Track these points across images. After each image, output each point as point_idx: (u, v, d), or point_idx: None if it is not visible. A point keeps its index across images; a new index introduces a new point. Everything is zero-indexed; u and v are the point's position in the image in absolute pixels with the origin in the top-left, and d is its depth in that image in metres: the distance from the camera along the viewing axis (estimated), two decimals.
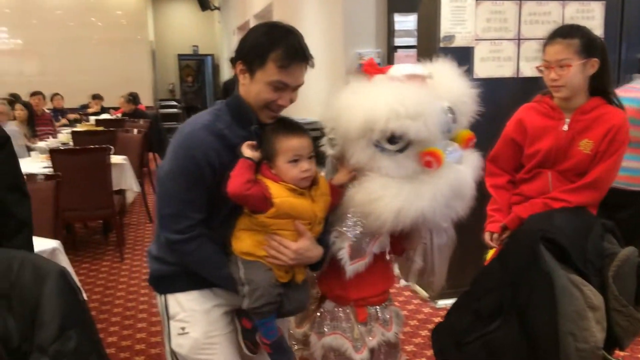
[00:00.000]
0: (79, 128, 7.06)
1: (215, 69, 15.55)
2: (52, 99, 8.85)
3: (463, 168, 1.69)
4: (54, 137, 6.40)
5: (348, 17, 4.89)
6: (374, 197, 1.60)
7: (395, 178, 1.63)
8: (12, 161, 1.75)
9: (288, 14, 7.01)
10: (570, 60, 1.97)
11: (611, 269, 1.79)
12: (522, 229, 1.85)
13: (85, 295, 1.60)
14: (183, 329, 1.65)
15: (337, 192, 1.69)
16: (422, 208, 1.58)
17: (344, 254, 1.73)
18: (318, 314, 1.85)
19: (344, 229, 1.77)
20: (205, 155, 1.52)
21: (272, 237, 1.56)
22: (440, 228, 1.75)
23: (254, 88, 1.55)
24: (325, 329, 1.81)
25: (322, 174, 1.79)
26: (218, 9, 13.96)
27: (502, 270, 1.74)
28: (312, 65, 1.59)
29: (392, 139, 1.61)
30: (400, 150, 1.62)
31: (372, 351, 1.80)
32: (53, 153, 4.28)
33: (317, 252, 1.62)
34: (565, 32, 2.02)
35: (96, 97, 10.21)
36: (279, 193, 1.51)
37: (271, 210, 1.51)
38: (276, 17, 7.87)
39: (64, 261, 2.35)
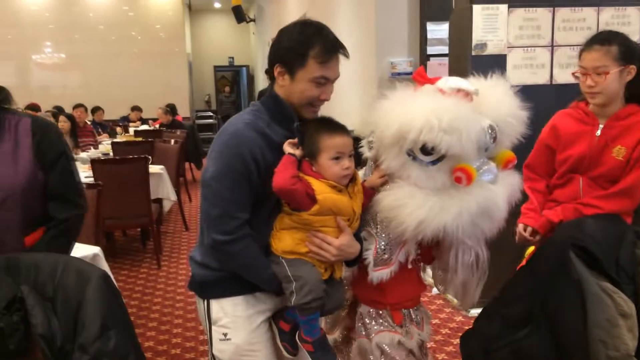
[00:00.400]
0: (119, 139, 7.29)
1: (251, 79, 15.79)
2: (93, 113, 9.14)
3: (495, 188, 1.67)
4: (95, 148, 6.61)
5: (381, 26, 4.93)
6: (399, 204, 1.62)
7: (424, 189, 1.64)
8: (64, 177, 1.83)
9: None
10: (608, 67, 1.95)
11: None
12: (553, 236, 1.85)
13: (124, 301, 1.66)
14: (225, 335, 1.67)
15: (368, 193, 1.73)
16: (445, 222, 1.59)
17: (369, 255, 1.77)
18: (360, 323, 1.88)
19: (374, 231, 1.81)
20: (252, 152, 1.54)
21: (315, 233, 1.60)
22: (466, 245, 1.74)
23: (297, 87, 1.58)
24: (371, 332, 1.84)
25: (361, 173, 1.84)
26: (253, 21, 14.19)
27: (531, 277, 1.73)
28: (347, 56, 1.63)
29: (426, 150, 1.62)
30: (433, 162, 1.63)
31: (411, 351, 1.83)
32: (94, 163, 4.43)
33: (356, 247, 1.66)
34: (603, 38, 2.00)
35: (135, 108, 10.50)
36: (321, 189, 1.56)
37: (315, 207, 1.55)
38: None
39: (104, 266, 2.44)
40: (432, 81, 1.77)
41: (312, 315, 1.63)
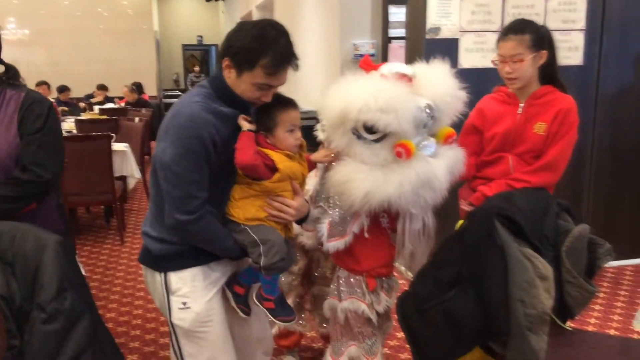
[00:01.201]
0: (84, 117, 7.25)
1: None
2: (60, 92, 9.04)
3: (435, 161, 1.83)
4: None
5: (344, 9, 5.01)
6: (346, 179, 1.80)
7: (369, 164, 1.81)
8: (34, 150, 1.80)
9: (288, 5, 7.15)
10: (522, 55, 2.13)
11: (565, 244, 1.93)
12: (481, 207, 2.00)
13: (85, 273, 1.73)
14: (184, 303, 1.74)
15: (310, 166, 1.92)
16: (388, 193, 1.76)
17: (323, 229, 1.94)
18: (335, 284, 2.05)
19: (327, 206, 1.96)
20: (210, 133, 1.60)
21: (275, 198, 1.73)
22: (412, 214, 1.91)
23: (239, 86, 1.64)
24: (343, 296, 2.02)
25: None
26: None
27: (461, 243, 1.88)
28: (297, 68, 1.66)
29: (370, 129, 1.77)
30: (377, 141, 1.80)
31: (378, 315, 2.03)
32: None
33: (307, 206, 1.83)
34: (517, 28, 2.17)
35: (101, 87, 10.38)
36: (280, 159, 1.69)
37: (276, 176, 1.69)
38: (277, 8, 7.99)
39: None
40: (376, 67, 1.93)
41: (277, 274, 1.76)
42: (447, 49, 3.46)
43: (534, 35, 2.14)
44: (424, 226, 1.97)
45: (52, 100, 7.80)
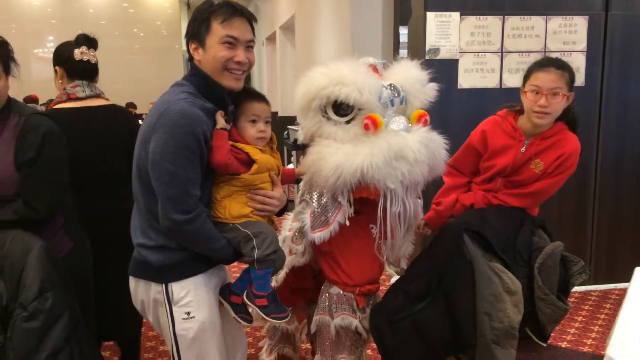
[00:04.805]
0: None
1: (247, 76, 15.92)
2: None
3: (407, 134, 1.86)
4: None
5: (356, 30, 5.14)
6: (319, 157, 1.86)
7: (339, 141, 1.87)
8: (28, 182, 1.81)
9: (307, 27, 7.33)
10: (562, 89, 2.06)
11: (537, 261, 1.97)
12: (451, 222, 2.05)
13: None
14: (188, 313, 1.70)
15: (290, 176, 1.99)
16: (359, 163, 1.79)
17: (306, 219, 1.99)
18: (327, 302, 2.08)
19: (308, 197, 2.04)
20: (202, 130, 1.59)
21: (256, 191, 1.76)
22: (392, 193, 1.85)
23: (209, 55, 1.66)
24: (334, 312, 2.05)
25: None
26: None
27: (431, 257, 1.93)
28: (254, 19, 1.73)
29: (339, 110, 1.86)
30: (348, 122, 1.87)
31: (367, 331, 2.06)
32: None
33: (285, 197, 1.86)
34: (559, 64, 2.11)
35: (129, 105, 10.70)
36: (254, 151, 1.73)
37: (254, 167, 1.72)
38: (298, 28, 8.18)
39: None
40: None
41: (270, 267, 1.73)
42: (447, 69, 3.54)
43: (571, 74, 2.11)
44: (404, 210, 1.89)
45: None
